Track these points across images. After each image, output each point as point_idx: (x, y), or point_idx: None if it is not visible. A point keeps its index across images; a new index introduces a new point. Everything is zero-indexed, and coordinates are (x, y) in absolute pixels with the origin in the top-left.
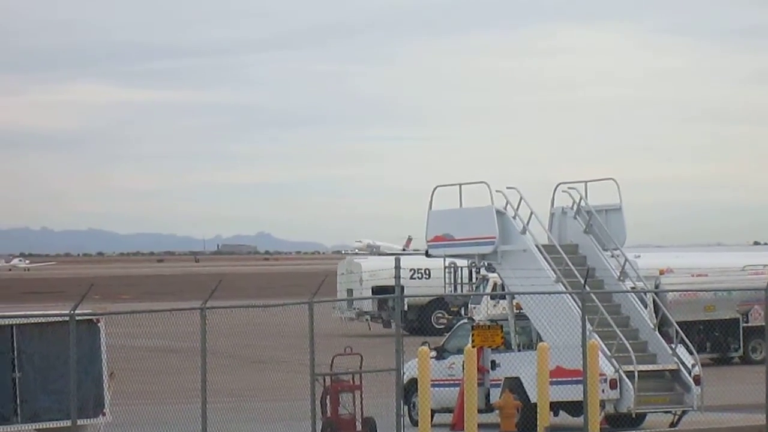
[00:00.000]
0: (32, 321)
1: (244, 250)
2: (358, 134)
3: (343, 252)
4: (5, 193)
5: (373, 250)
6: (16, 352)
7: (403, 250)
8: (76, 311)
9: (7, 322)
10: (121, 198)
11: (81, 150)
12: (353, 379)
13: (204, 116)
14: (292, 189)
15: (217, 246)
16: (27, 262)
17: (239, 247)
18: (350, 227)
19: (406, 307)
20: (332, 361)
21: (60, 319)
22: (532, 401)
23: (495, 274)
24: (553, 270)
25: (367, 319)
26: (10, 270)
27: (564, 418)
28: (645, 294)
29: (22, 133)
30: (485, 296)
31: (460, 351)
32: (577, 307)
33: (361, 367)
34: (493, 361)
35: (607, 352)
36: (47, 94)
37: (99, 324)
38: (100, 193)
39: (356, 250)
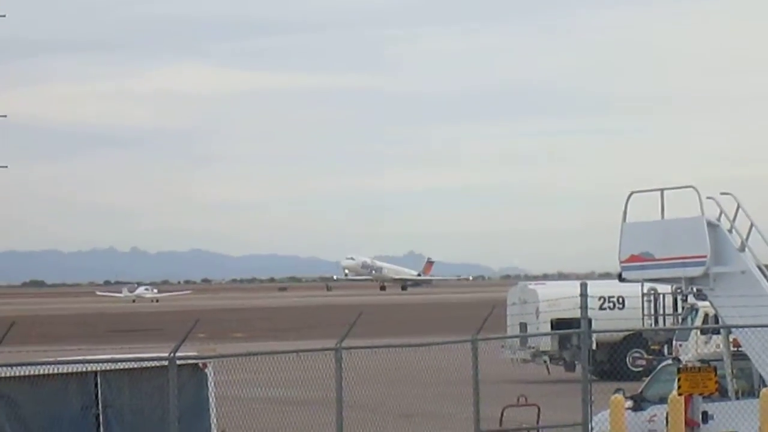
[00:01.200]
0: (122, 367)
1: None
2: (521, 128)
3: (415, 275)
4: (82, 207)
5: (372, 272)
6: (101, 407)
7: (418, 275)
8: (178, 354)
9: (90, 368)
10: (230, 211)
11: (176, 151)
12: None
13: (330, 106)
14: (449, 198)
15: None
16: (155, 291)
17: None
18: (523, 245)
19: (594, 345)
20: (502, 414)
21: (157, 363)
22: None
23: (706, 303)
24: None
25: (545, 361)
26: (134, 301)
27: None
28: None
29: (99, 131)
30: (694, 331)
31: (663, 400)
32: None
33: (538, 422)
34: (705, 413)
35: None
36: (126, 78)
37: (206, 370)
38: (202, 206)
39: (345, 272)
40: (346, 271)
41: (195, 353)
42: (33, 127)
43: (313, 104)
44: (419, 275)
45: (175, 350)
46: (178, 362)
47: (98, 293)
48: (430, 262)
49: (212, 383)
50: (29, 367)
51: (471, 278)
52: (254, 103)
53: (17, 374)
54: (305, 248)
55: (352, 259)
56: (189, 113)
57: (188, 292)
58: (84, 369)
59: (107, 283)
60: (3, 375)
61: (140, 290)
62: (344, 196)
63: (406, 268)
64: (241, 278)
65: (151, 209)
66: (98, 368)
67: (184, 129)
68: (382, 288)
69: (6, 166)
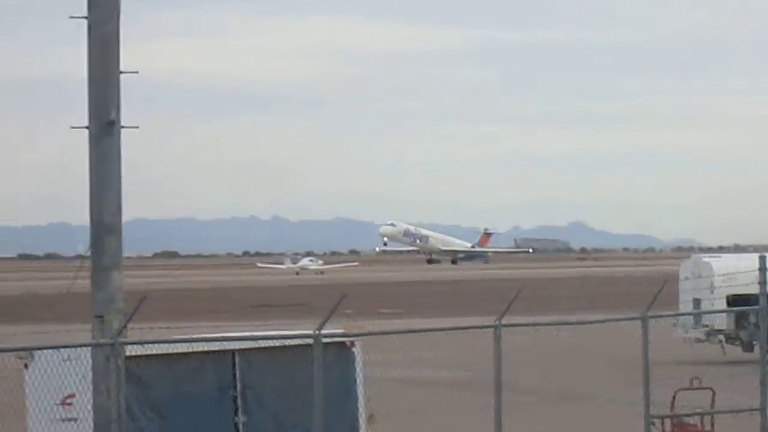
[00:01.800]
0: (262, 345)
1: (552, 246)
2: (696, 86)
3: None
4: (220, 172)
5: (417, 241)
6: (239, 388)
7: (473, 247)
8: (323, 331)
9: (227, 346)
10: (379, 175)
11: (320, 111)
12: (702, 421)
13: (493, 64)
14: (617, 162)
15: (515, 241)
16: (320, 262)
17: (545, 243)
18: (696, 215)
19: None
20: (674, 398)
21: (301, 342)
22: None
23: None
24: None
25: (720, 340)
26: (297, 274)
27: None
28: None
29: (237, 89)
30: None
31: None
32: None
33: (713, 406)
34: None
35: None
36: (273, 35)
37: (354, 349)
38: (349, 171)
39: (384, 240)
40: (385, 239)
41: (342, 330)
42: (172, 83)
43: (456, 64)
44: (473, 247)
45: (321, 327)
46: (324, 340)
47: (259, 265)
48: (487, 234)
49: (360, 363)
50: (161, 345)
51: (531, 251)
52: (408, 61)
53: (148, 353)
54: (466, 217)
55: (393, 225)
56: (349, 71)
57: (355, 263)
58: (221, 347)
59: (246, 254)
60: (133, 354)
61: (304, 261)
62: (503, 158)
63: (458, 239)
64: (391, 249)
65: (294, 175)
66: (237, 347)
67: (334, 87)
68: (430, 261)
69: (137, 127)
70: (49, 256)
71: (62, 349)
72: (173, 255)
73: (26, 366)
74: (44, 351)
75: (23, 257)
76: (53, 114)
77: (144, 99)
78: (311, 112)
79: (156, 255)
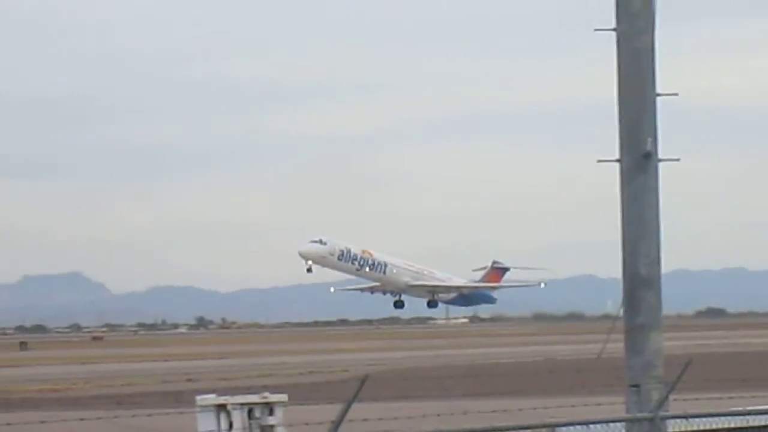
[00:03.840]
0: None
1: None
2: None
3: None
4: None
5: (364, 267)
6: None
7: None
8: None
9: None
10: None
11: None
12: None
13: None
14: None
15: None
16: None
17: None
18: None
19: None
20: None
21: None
22: None
23: None
24: None
25: None
26: None
27: None
28: None
29: None
30: None
31: None
32: None
33: None
34: None
35: None
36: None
37: None
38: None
39: (308, 264)
40: (309, 263)
41: None
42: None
43: None
44: (469, 283)
45: None
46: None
47: None
48: (497, 269)
49: None
50: (709, 420)
51: (542, 285)
52: None
53: (694, 428)
54: None
55: (321, 242)
56: None
57: None
58: None
59: None
60: (676, 429)
61: None
62: None
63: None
64: None
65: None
66: None
67: None
68: (398, 304)
69: (677, 159)
70: (571, 316)
71: (591, 426)
72: (719, 313)
73: None
74: (570, 427)
75: (540, 318)
76: (581, 144)
77: (681, 126)
78: None
79: (698, 313)
